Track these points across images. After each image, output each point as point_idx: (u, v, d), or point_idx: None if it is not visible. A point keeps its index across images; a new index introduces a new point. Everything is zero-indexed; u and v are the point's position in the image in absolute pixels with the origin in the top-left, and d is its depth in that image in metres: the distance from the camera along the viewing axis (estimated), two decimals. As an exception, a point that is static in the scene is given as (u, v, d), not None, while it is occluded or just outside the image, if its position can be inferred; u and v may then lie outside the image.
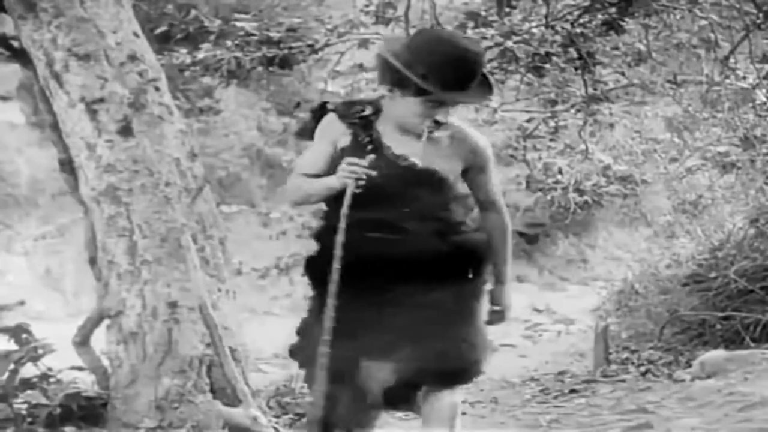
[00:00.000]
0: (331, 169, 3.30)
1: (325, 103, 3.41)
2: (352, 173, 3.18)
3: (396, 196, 3.24)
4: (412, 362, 3.18)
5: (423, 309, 3.22)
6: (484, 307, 3.43)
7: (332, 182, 3.25)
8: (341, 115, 3.32)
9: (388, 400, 3.27)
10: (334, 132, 3.33)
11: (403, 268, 3.22)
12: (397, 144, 3.28)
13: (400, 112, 3.25)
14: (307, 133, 3.42)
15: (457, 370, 3.26)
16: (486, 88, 3.26)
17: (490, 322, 3.42)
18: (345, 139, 3.31)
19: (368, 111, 3.31)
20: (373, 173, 3.18)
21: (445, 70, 3.16)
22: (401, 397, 3.26)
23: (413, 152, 3.26)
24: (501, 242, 3.44)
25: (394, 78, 3.22)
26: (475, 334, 3.32)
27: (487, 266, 3.41)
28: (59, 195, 13.49)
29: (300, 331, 3.43)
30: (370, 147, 3.25)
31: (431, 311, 3.23)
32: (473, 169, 3.37)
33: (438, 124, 3.25)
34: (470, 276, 3.35)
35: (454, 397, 3.32)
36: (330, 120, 3.35)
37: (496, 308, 3.46)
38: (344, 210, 3.19)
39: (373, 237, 3.22)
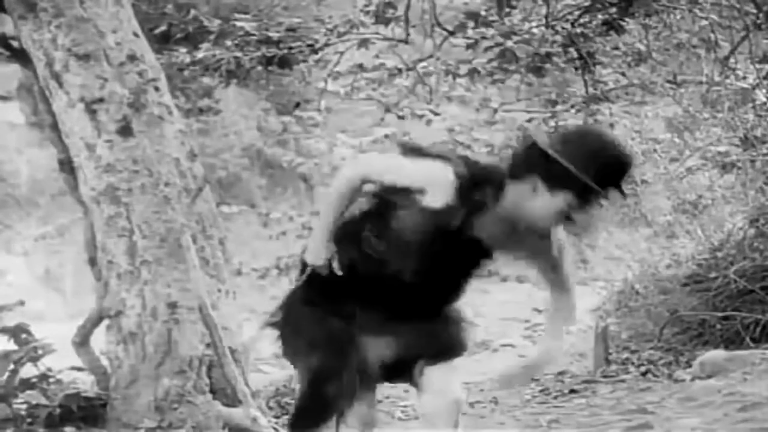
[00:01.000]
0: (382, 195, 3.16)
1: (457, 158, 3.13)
2: (320, 265, 3.17)
3: (444, 262, 3.15)
4: (408, 338, 3.22)
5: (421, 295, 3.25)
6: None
7: (311, 249, 3.21)
8: (459, 191, 3.05)
9: (385, 374, 3.29)
10: (434, 187, 3.06)
11: (418, 304, 3.23)
12: (485, 233, 3.12)
13: (537, 206, 3.03)
14: (412, 152, 3.17)
15: (449, 344, 3.30)
16: (622, 192, 3.07)
17: None
18: (436, 202, 3.06)
19: (488, 197, 3.08)
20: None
21: (613, 174, 2.99)
22: (398, 370, 3.28)
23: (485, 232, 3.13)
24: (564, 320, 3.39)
25: (549, 173, 2.98)
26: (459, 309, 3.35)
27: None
28: (59, 195, 13.48)
29: (285, 305, 3.36)
30: (450, 230, 3.06)
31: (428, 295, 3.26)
32: (548, 262, 3.28)
33: (569, 221, 3.06)
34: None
35: (456, 393, 3.31)
36: (445, 178, 3.06)
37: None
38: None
39: (394, 284, 3.16)
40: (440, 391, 3.27)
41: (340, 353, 3.19)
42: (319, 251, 3.21)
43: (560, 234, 3.26)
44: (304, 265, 3.26)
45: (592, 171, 2.95)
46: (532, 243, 3.21)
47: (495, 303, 14.17)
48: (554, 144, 3.00)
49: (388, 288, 3.17)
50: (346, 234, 3.20)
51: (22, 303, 5.09)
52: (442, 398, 3.27)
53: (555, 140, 3.03)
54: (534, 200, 3.02)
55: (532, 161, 3.01)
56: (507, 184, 3.06)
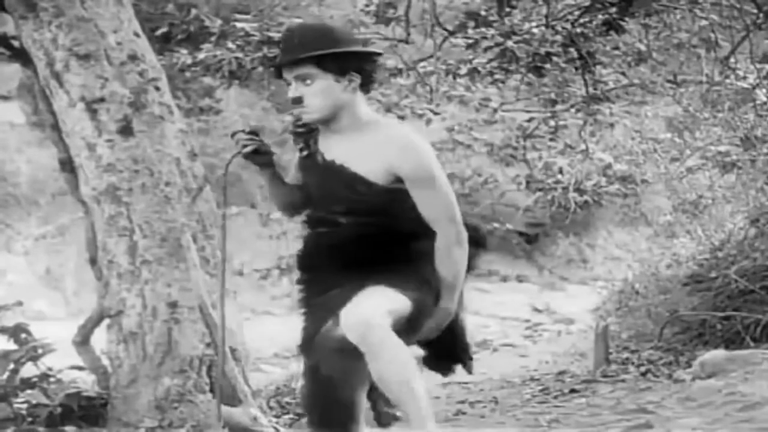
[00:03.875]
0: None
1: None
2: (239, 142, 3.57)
3: (327, 196, 3.43)
4: None
5: (355, 288, 3.29)
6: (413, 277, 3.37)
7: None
8: (290, 130, 3.59)
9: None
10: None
11: (341, 255, 3.36)
12: (328, 148, 3.45)
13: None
14: None
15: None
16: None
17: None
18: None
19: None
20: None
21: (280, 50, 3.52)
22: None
23: (339, 154, 3.40)
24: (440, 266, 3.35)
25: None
26: (367, 293, 3.28)
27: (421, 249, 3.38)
28: (59, 195, 13.49)
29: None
30: (305, 153, 3.52)
31: (359, 288, 3.30)
32: (406, 180, 3.30)
33: (296, 101, 3.47)
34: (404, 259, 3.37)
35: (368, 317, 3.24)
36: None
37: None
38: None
39: (318, 232, 3.46)
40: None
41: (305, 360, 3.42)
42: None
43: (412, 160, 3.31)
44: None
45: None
46: (368, 150, 3.36)
47: (495, 303, 14.18)
48: None
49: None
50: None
51: (20, 303, 5.11)
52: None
53: None
54: None
55: None
56: None
